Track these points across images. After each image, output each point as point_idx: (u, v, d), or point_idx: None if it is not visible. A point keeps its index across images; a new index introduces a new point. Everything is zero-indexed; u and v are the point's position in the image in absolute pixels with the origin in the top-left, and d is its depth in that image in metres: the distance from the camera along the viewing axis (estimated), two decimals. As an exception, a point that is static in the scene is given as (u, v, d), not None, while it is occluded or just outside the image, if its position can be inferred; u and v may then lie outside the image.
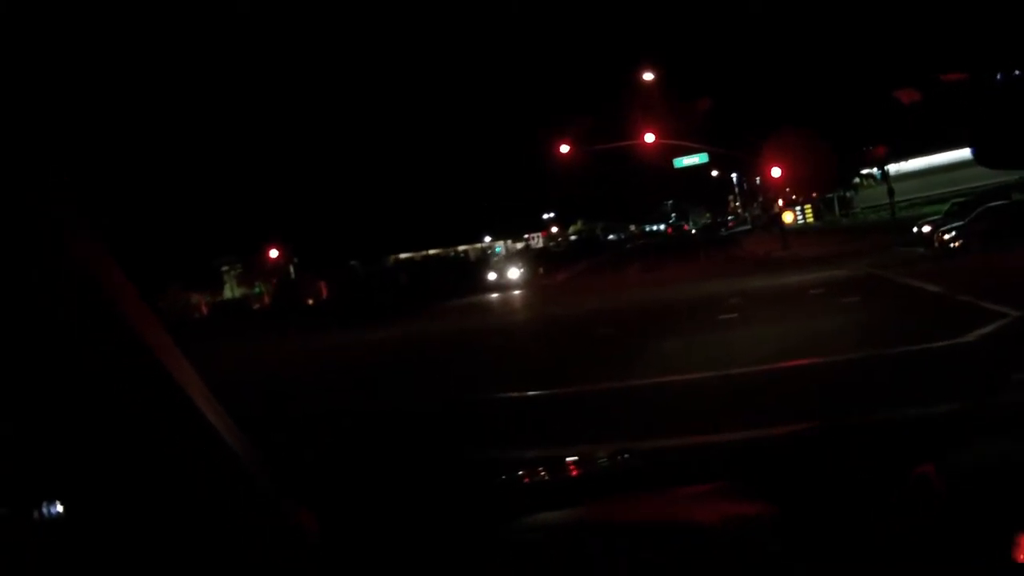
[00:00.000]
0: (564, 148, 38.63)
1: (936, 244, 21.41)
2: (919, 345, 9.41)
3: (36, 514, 1.26)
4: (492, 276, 40.83)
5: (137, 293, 1.23)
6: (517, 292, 34.89)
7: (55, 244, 1.14)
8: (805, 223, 55.34)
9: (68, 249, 1.15)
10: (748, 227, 77.29)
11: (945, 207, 27.95)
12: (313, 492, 1.53)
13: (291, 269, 60.13)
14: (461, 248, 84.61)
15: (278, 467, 1.40)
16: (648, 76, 39.97)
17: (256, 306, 51.93)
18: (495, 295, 34.06)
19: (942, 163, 46.27)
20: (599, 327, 15.55)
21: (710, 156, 41.64)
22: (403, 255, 75.81)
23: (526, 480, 2.04)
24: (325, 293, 50.75)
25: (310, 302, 47.56)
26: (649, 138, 37.68)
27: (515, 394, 9.50)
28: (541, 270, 44.28)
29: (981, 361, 8.10)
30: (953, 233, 20.84)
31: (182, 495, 1.27)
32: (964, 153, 42.87)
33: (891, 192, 35.03)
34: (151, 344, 1.21)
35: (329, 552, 1.46)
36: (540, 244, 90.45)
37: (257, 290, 57.87)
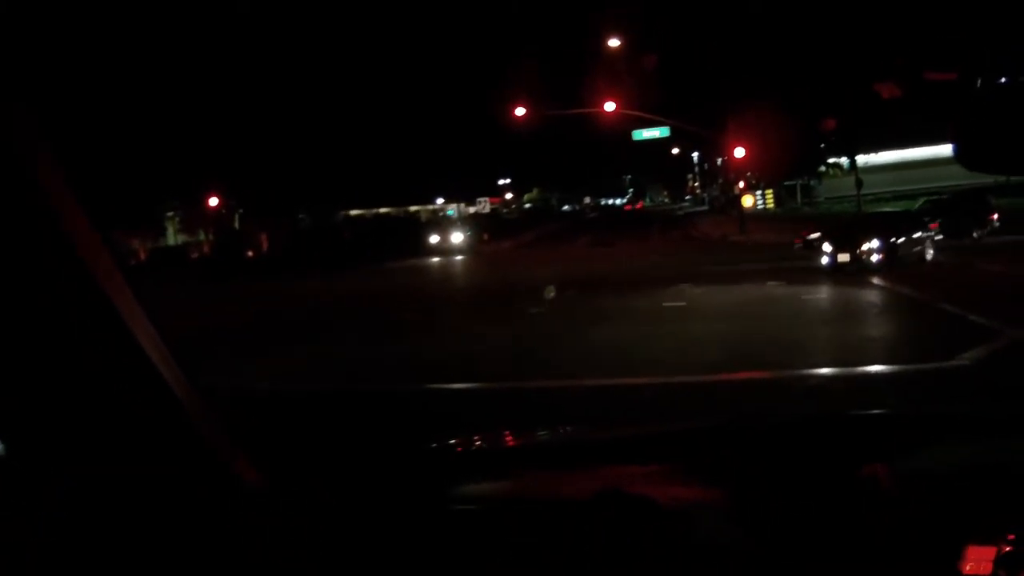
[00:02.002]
0: (520, 111, 36.44)
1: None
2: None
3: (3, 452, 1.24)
4: (434, 239, 39.22)
5: (92, 229, 1.16)
6: (458, 258, 34.10)
7: (13, 173, 1.08)
8: (764, 208, 54.21)
9: (27, 178, 1.08)
10: (705, 208, 76.67)
11: (916, 204, 26.66)
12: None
13: (236, 219, 58.12)
14: (413, 208, 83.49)
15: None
16: (613, 43, 37.85)
17: (195, 255, 49.64)
18: (434, 259, 33.25)
19: (915, 158, 45.16)
20: (529, 305, 14.17)
21: (672, 131, 39.78)
22: (355, 212, 74.81)
23: (459, 449, 1.88)
24: (266, 246, 49.27)
25: (250, 254, 46.10)
26: (609, 107, 35.52)
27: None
28: (486, 236, 42.58)
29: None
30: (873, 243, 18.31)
31: (121, 438, 1.24)
32: (939, 150, 41.76)
33: (859, 183, 33.34)
34: (102, 283, 1.16)
35: (272, 509, 1.38)
36: (487, 210, 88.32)
37: (201, 238, 56.12)
